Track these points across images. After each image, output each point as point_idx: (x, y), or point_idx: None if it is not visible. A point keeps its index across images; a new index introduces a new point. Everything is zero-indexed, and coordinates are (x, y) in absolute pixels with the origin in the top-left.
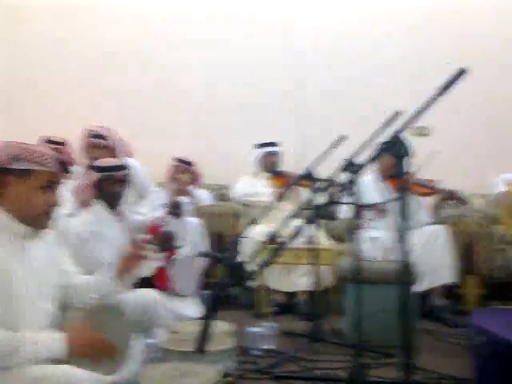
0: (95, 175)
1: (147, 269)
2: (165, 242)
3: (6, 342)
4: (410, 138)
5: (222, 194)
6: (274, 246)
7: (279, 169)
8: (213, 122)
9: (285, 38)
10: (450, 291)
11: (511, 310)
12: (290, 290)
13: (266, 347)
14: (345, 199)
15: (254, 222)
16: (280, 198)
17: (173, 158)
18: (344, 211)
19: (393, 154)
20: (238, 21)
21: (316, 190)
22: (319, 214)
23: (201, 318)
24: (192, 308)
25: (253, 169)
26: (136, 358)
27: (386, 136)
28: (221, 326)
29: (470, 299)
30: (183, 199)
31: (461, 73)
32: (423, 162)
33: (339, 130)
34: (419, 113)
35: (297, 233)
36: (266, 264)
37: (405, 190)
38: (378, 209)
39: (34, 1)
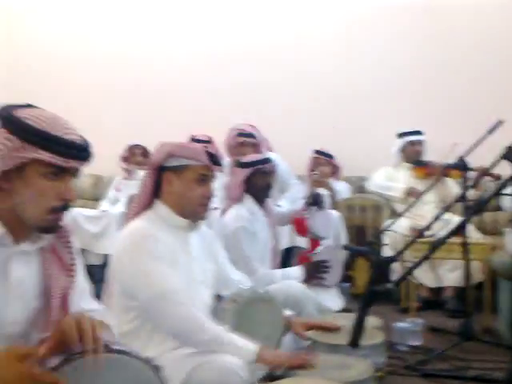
0: (246, 171)
1: None
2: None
3: (202, 318)
4: None
5: (361, 186)
6: (429, 241)
7: (423, 159)
8: (351, 110)
9: None
10: None
11: None
12: (438, 286)
13: (412, 343)
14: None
15: (396, 214)
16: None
17: (313, 150)
18: (508, 203)
19: None
20: None
21: (467, 181)
22: (475, 206)
23: (343, 311)
24: (334, 300)
25: (394, 159)
26: (286, 347)
27: None
28: (370, 321)
29: None
30: (323, 191)
31: None
32: None
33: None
34: None
35: (451, 227)
36: (423, 260)
37: None
38: None
39: None
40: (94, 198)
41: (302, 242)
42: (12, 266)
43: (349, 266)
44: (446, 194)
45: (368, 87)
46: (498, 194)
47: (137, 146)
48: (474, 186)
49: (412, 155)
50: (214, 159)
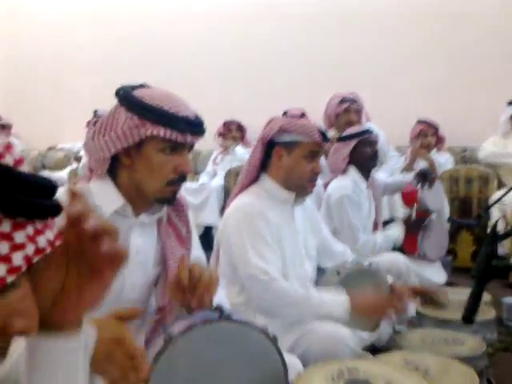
0: (351, 143)
1: None
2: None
3: (300, 296)
4: None
5: (464, 156)
6: None
7: None
8: (453, 77)
9: None
10: None
11: None
12: None
13: None
14: None
15: (505, 186)
16: None
17: (418, 119)
18: None
19: None
20: None
21: None
22: None
23: (446, 285)
24: (437, 274)
25: (502, 128)
26: (388, 321)
27: None
28: None
29: None
30: (419, 163)
31: None
32: None
33: None
34: None
35: None
36: None
37: None
38: None
39: None
40: (193, 172)
41: (402, 213)
42: (132, 236)
43: (451, 238)
44: None
45: (472, 51)
46: None
47: (232, 121)
48: None
49: None
50: (324, 136)
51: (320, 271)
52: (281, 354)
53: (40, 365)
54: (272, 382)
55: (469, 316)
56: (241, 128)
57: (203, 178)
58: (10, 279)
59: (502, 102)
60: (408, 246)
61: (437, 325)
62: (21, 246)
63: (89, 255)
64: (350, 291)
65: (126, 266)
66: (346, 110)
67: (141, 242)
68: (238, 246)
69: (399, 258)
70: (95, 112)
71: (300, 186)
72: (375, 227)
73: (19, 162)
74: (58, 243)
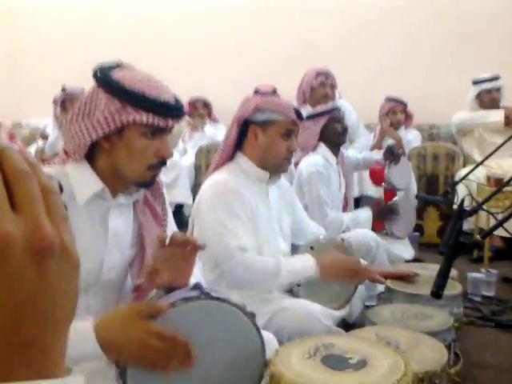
0: (321, 120)
1: None
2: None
3: (271, 265)
4: None
5: (432, 133)
6: (506, 190)
7: (501, 105)
8: (422, 56)
9: None
10: None
11: None
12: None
13: (485, 294)
14: None
15: (472, 162)
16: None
17: (386, 97)
18: None
19: None
20: None
21: None
22: None
23: (414, 260)
24: (405, 250)
25: (470, 107)
26: (358, 294)
27: None
28: None
29: None
30: (388, 141)
31: None
32: None
33: None
34: None
35: None
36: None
37: None
38: None
39: None
40: None
41: (372, 191)
42: (110, 218)
43: (418, 215)
44: None
45: (439, 30)
46: None
47: (197, 99)
48: None
49: (488, 103)
50: (299, 114)
51: (294, 249)
52: (259, 331)
53: None
54: (250, 358)
55: (437, 291)
56: (207, 105)
57: (174, 156)
58: None
59: (468, 79)
60: (376, 225)
61: (406, 299)
62: None
63: None
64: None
65: (105, 248)
66: (322, 84)
67: (119, 224)
68: (212, 224)
69: (369, 234)
70: (63, 88)
71: (276, 165)
72: (345, 203)
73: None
74: None
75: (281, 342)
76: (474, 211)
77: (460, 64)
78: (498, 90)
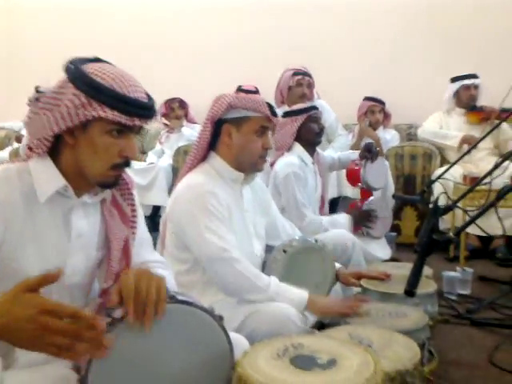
0: (299, 118)
1: None
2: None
3: (261, 278)
4: None
5: (410, 133)
6: (484, 189)
7: (478, 104)
8: (400, 56)
9: None
10: None
11: None
12: (488, 235)
13: (461, 292)
14: None
15: (448, 162)
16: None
17: (364, 97)
18: None
19: None
20: None
21: None
22: None
23: (391, 260)
24: (382, 250)
25: (446, 105)
26: (334, 295)
27: None
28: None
29: None
30: (366, 141)
31: None
32: None
33: None
34: None
35: (508, 174)
36: (488, 208)
37: None
38: None
39: None
40: (141, 151)
41: (349, 191)
42: (74, 218)
43: (396, 215)
44: (501, 140)
45: (417, 32)
46: None
47: (173, 99)
48: None
49: (466, 100)
50: (273, 110)
51: (269, 250)
52: (226, 333)
53: None
54: (218, 361)
55: (410, 289)
56: (183, 105)
57: (151, 158)
58: None
59: (446, 80)
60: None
61: (381, 298)
62: None
63: None
64: (297, 269)
65: (68, 249)
66: (299, 83)
67: (84, 224)
68: (192, 227)
69: (345, 234)
70: (37, 89)
71: (251, 163)
72: (322, 203)
73: None
74: None
75: None
76: (449, 209)
77: (438, 65)
78: (476, 87)
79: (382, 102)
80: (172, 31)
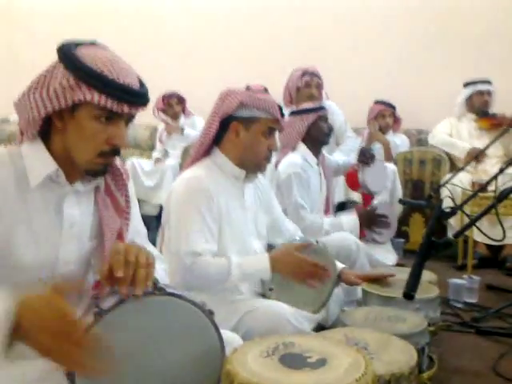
0: (309, 117)
1: None
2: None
3: (221, 266)
4: None
5: (420, 139)
6: (491, 196)
7: (490, 110)
8: (411, 60)
9: None
10: None
11: None
12: (497, 243)
13: (468, 300)
14: None
15: (457, 168)
16: (488, 144)
17: (375, 100)
18: None
19: None
20: None
21: None
22: None
23: (396, 266)
24: (388, 255)
25: (457, 110)
26: (336, 299)
27: None
28: (424, 275)
29: None
30: (377, 144)
31: None
32: None
33: None
34: None
35: None
36: (487, 211)
37: None
38: None
39: None
40: (150, 149)
41: (356, 196)
42: (66, 205)
43: (403, 221)
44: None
45: (429, 36)
46: None
47: (171, 94)
48: None
49: (479, 105)
50: (281, 111)
51: (270, 248)
52: (217, 329)
53: None
54: (208, 355)
55: (409, 292)
56: (181, 100)
57: (155, 155)
58: None
59: (458, 85)
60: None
61: (381, 302)
62: None
63: None
64: None
65: (60, 238)
66: (307, 84)
67: (76, 213)
68: (175, 220)
69: (349, 238)
70: None
71: (255, 164)
72: (327, 206)
73: None
74: None
75: None
76: (453, 213)
77: (450, 70)
78: (490, 93)
79: (392, 106)
80: (180, 28)
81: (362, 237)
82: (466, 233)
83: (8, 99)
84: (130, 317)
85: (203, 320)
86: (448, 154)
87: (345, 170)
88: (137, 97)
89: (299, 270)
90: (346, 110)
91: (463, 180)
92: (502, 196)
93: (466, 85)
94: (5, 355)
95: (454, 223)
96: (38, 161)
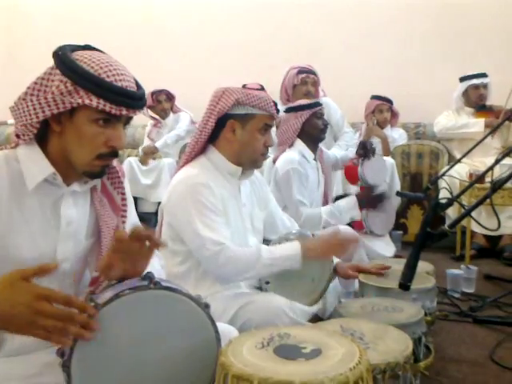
0: (304, 114)
1: None
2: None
3: (250, 251)
4: None
5: (417, 132)
6: (486, 187)
7: (487, 103)
8: (408, 55)
9: None
10: None
11: None
12: (493, 234)
13: (465, 290)
14: None
15: (454, 160)
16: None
17: (372, 95)
18: None
19: None
20: None
21: None
22: None
23: (395, 257)
24: (386, 247)
25: (455, 104)
26: (333, 291)
27: None
28: (421, 265)
29: None
30: (375, 139)
31: None
32: None
33: None
34: None
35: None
36: (483, 200)
37: None
38: None
39: None
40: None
41: (353, 189)
42: (63, 206)
43: (402, 213)
44: (510, 140)
45: (426, 30)
46: None
47: (160, 91)
48: None
49: (475, 99)
50: (276, 108)
51: (267, 243)
52: (213, 322)
53: None
54: (204, 348)
55: (405, 282)
56: (170, 97)
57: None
58: None
59: (455, 78)
60: (354, 224)
61: (378, 293)
62: None
63: None
64: None
65: (57, 237)
66: (304, 81)
67: (73, 213)
68: (185, 219)
69: (346, 230)
70: None
71: (252, 160)
72: (325, 201)
73: None
74: None
75: None
76: (449, 204)
77: (448, 64)
78: (485, 86)
79: (389, 101)
80: (177, 26)
81: (359, 229)
82: (464, 224)
83: (6, 102)
84: (126, 311)
85: (199, 313)
86: (446, 147)
87: (343, 164)
88: (135, 100)
89: (335, 250)
90: (343, 105)
91: (461, 171)
92: (497, 185)
93: (462, 79)
94: None
95: (451, 215)
96: (35, 165)
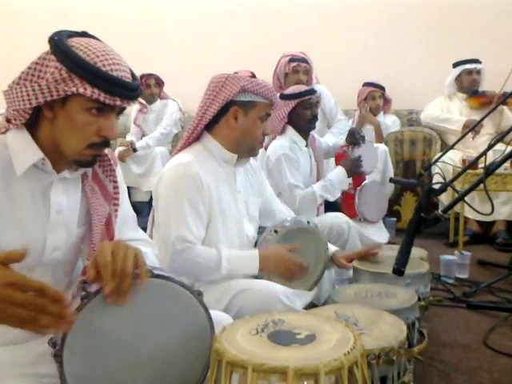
0: (291, 103)
1: None
2: (354, 167)
3: (212, 257)
4: None
5: (410, 119)
6: (479, 172)
7: (480, 89)
8: (401, 42)
9: None
10: None
11: None
12: (487, 219)
13: (459, 276)
14: None
15: (447, 147)
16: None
17: (364, 82)
18: None
19: None
20: None
21: None
22: None
23: (389, 243)
24: (380, 233)
25: (447, 90)
26: (328, 278)
27: None
28: (415, 251)
29: None
30: (366, 126)
31: None
32: None
33: None
34: None
35: (503, 158)
36: (476, 185)
37: None
38: None
39: None
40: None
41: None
42: (52, 193)
43: (395, 200)
44: (504, 124)
45: (419, 17)
46: None
47: (150, 75)
48: None
49: (468, 85)
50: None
51: (262, 231)
52: (206, 309)
53: None
54: (198, 336)
55: (399, 268)
56: (159, 83)
57: (130, 138)
58: None
59: (448, 65)
60: (347, 212)
61: (372, 279)
62: None
63: None
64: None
65: (47, 225)
66: (295, 70)
67: (63, 200)
68: (164, 207)
69: (341, 217)
70: None
71: (251, 148)
72: None
73: None
74: None
75: None
76: (442, 189)
77: (439, 50)
78: (479, 72)
79: (382, 88)
80: (171, 21)
81: (353, 217)
82: (458, 210)
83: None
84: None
85: (192, 301)
86: (439, 133)
87: (335, 152)
88: (129, 90)
89: (286, 273)
90: (336, 92)
91: (454, 158)
92: (490, 170)
93: (455, 65)
94: None
95: (445, 201)
96: (24, 150)
